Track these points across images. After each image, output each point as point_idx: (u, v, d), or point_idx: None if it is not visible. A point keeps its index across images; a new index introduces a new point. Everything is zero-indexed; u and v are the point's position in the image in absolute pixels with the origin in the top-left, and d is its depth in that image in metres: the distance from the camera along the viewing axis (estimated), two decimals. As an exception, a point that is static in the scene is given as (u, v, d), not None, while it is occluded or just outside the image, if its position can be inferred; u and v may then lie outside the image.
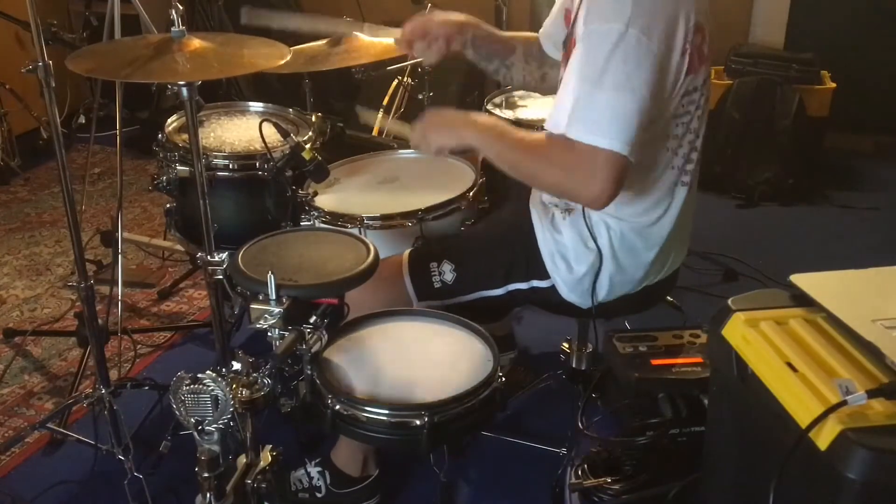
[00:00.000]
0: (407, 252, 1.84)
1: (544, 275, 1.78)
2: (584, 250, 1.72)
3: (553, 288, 1.78)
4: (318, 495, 1.92)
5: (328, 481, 1.92)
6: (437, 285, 1.79)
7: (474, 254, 1.82)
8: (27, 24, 1.80)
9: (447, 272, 1.79)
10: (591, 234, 1.70)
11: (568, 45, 1.68)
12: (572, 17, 1.72)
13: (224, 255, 1.69)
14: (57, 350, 2.61)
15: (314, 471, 1.93)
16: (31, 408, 2.36)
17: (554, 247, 1.76)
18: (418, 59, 2.81)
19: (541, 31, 1.95)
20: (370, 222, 1.92)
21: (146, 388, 2.22)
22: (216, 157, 2.06)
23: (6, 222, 3.49)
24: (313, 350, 1.44)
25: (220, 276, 1.68)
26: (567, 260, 1.74)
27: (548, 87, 1.97)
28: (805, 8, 4.00)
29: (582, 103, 1.49)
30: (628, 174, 1.49)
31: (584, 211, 1.70)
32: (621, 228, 1.70)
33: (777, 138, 3.59)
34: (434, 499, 1.95)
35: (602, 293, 1.75)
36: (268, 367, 1.36)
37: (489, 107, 2.60)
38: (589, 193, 1.51)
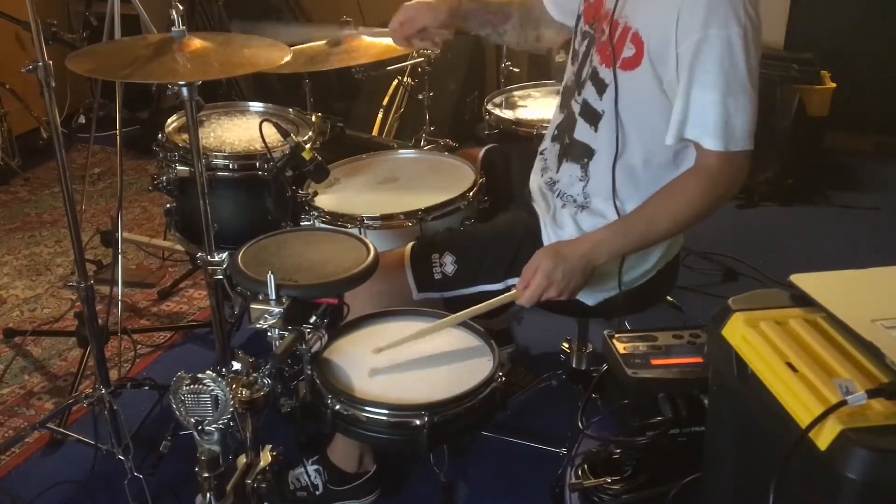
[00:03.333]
0: (410, 244, 1.84)
1: None
2: None
3: None
4: (317, 493, 1.92)
5: (326, 479, 1.92)
6: (437, 277, 1.79)
7: (477, 247, 1.82)
8: (27, 24, 1.80)
9: (448, 264, 1.79)
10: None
11: (618, 35, 1.64)
12: (604, 15, 1.71)
13: (224, 255, 1.69)
14: (57, 350, 2.61)
15: (312, 469, 1.93)
16: (31, 408, 2.36)
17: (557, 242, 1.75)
18: (419, 60, 2.83)
19: None
20: (370, 222, 1.92)
21: (146, 388, 2.22)
22: (216, 157, 2.06)
23: (6, 222, 3.49)
24: (313, 350, 1.44)
25: (220, 276, 1.68)
26: None
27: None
28: (805, 8, 4.00)
29: (721, 112, 1.52)
30: None
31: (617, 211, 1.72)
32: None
33: (777, 138, 3.59)
34: (434, 499, 1.95)
35: (610, 286, 1.76)
36: (268, 367, 1.36)
37: (489, 107, 2.60)
38: (732, 194, 1.62)
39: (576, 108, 1.76)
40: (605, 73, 1.66)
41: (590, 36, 1.73)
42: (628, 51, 1.61)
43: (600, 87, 1.68)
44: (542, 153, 1.93)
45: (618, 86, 1.64)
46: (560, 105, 1.86)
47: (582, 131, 1.74)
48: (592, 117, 1.71)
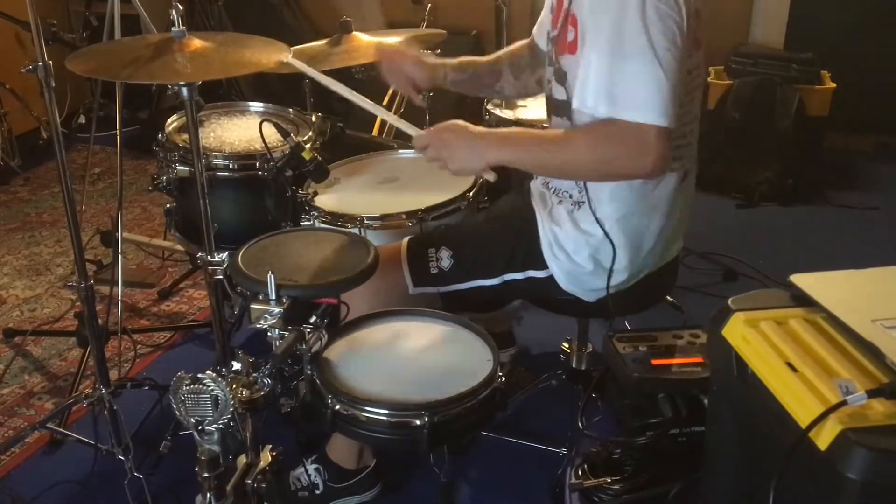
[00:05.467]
0: (407, 238, 1.84)
1: (541, 265, 1.77)
2: (584, 242, 1.72)
3: (551, 279, 1.78)
4: (317, 492, 1.92)
5: (325, 477, 1.92)
6: (433, 271, 1.79)
7: (473, 242, 1.82)
8: (27, 24, 1.80)
9: (445, 258, 1.79)
10: (600, 225, 1.70)
11: (560, 36, 1.66)
12: (561, 12, 1.73)
13: (224, 255, 1.69)
14: (57, 350, 2.61)
15: (311, 468, 1.93)
16: (31, 408, 2.36)
17: (553, 237, 1.75)
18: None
19: (534, 29, 1.94)
20: (370, 222, 1.92)
21: (146, 388, 2.22)
22: (216, 157, 2.06)
23: (6, 222, 3.49)
24: (313, 350, 1.44)
25: (220, 276, 1.68)
26: (566, 251, 1.74)
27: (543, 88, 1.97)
28: (805, 8, 3.99)
29: (616, 77, 1.48)
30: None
31: (590, 204, 1.71)
32: (626, 209, 1.71)
33: (777, 138, 3.60)
34: (434, 499, 1.95)
35: (613, 280, 1.75)
36: (268, 367, 1.37)
37: (489, 107, 2.60)
38: (643, 169, 1.53)
39: (550, 106, 1.78)
40: (560, 62, 1.68)
41: (553, 39, 1.74)
42: (570, 34, 1.63)
43: (560, 78, 1.69)
44: None
45: (568, 72, 1.65)
46: (546, 114, 1.89)
47: (557, 125, 1.75)
48: (561, 108, 1.71)
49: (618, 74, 1.47)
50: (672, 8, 1.47)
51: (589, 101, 1.52)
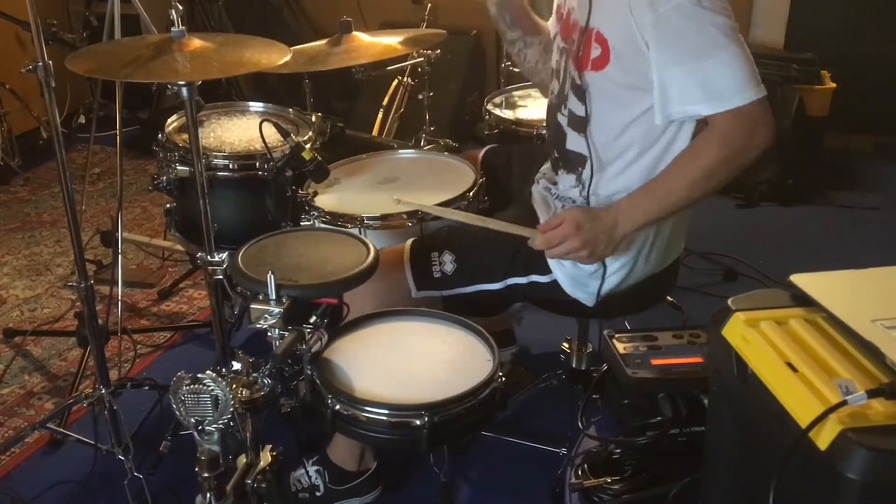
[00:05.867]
0: (410, 241, 1.84)
1: (545, 269, 1.77)
2: None
3: (554, 283, 1.78)
4: (318, 494, 1.92)
5: (326, 479, 1.92)
6: (436, 275, 1.79)
7: (476, 246, 1.82)
8: (27, 24, 1.80)
9: (448, 262, 1.79)
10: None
11: (585, 40, 1.65)
12: (564, 13, 1.73)
13: (224, 255, 1.69)
14: (57, 350, 2.61)
15: (312, 470, 1.93)
16: (31, 408, 2.36)
17: None
18: (419, 60, 2.83)
19: (549, 22, 1.94)
20: (370, 222, 1.92)
21: (146, 388, 2.22)
22: (216, 157, 2.06)
23: (6, 222, 3.49)
24: (313, 350, 1.44)
25: (220, 276, 1.68)
26: None
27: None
28: (805, 8, 3.99)
29: (705, 76, 1.51)
30: None
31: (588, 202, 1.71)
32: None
33: (777, 138, 3.57)
34: (434, 499, 1.95)
35: (614, 281, 1.76)
36: (268, 367, 1.37)
37: (489, 107, 2.60)
38: (765, 142, 1.56)
39: (563, 120, 1.78)
40: (580, 78, 1.69)
41: (566, 51, 1.76)
42: (595, 51, 1.64)
43: (579, 94, 1.70)
44: (542, 170, 1.95)
45: (590, 87, 1.67)
46: (546, 123, 1.88)
47: (573, 140, 1.76)
48: (579, 124, 1.73)
49: (706, 73, 1.51)
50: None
51: (679, 110, 1.55)
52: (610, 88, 1.65)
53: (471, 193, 1.99)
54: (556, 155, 1.84)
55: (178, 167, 2.09)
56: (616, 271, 1.74)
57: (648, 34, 1.53)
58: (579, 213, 1.61)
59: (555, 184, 1.86)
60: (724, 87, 1.51)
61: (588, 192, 1.74)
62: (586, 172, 1.74)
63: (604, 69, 1.63)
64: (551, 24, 1.89)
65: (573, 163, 1.78)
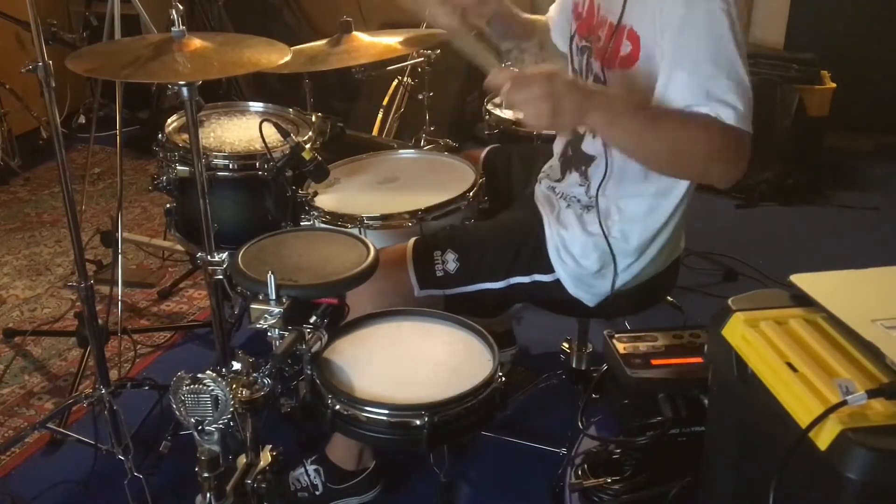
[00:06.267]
0: (412, 240, 1.84)
1: (548, 268, 1.77)
2: (593, 245, 1.72)
3: (557, 283, 1.78)
4: (317, 493, 1.92)
5: (325, 478, 1.92)
6: (439, 274, 1.79)
7: (479, 245, 1.82)
8: (27, 24, 1.80)
9: (450, 261, 1.79)
10: (603, 230, 1.70)
11: (616, 36, 1.61)
12: (583, 10, 1.71)
13: (224, 255, 1.69)
14: (57, 350, 2.61)
15: (311, 469, 1.93)
16: (31, 408, 2.36)
17: (560, 241, 1.76)
18: (419, 60, 2.83)
19: (547, 15, 1.93)
20: (370, 222, 1.92)
21: (146, 388, 2.22)
22: (216, 157, 2.06)
23: (6, 222, 3.49)
24: (313, 350, 1.44)
25: (220, 276, 1.68)
26: (573, 254, 1.74)
27: None
28: (805, 8, 4.00)
29: (714, 83, 1.46)
30: None
31: (597, 206, 1.71)
32: (635, 215, 1.71)
33: (777, 138, 3.59)
34: (434, 499, 1.95)
35: (617, 283, 1.75)
36: (268, 367, 1.37)
37: (489, 107, 2.60)
38: (733, 176, 1.50)
39: None
40: (604, 76, 1.67)
41: (588, 49, 1.74)
42: (625, 48, 1.61)
43: None
44: (544, 170, 1.94)
45: (613, 85, 1.64)
46: None
47: (588, 142, 1.75)
48: None
49: (717, 86, 1.46)
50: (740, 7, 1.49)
51: (679, 98, 1.48)
52: (632, 88, 1.61)
53: (471, 193, 1.99)
54: (570, 153, 1.82)
55: (178, 167, 2.09)
56: (626, 269, 1.74)
57: (671, 30, 1.49)
58: (562, 71, 1.53)
59: (558, 181, 1.86)
60: (730, 103, 1.47)
61: (597, 191, 1.72)
62: (592, 170, 1.74)
63: (631, 68, 1.60)
64: (557, 23, 1.88)
65: (582, 161, 1.77)
